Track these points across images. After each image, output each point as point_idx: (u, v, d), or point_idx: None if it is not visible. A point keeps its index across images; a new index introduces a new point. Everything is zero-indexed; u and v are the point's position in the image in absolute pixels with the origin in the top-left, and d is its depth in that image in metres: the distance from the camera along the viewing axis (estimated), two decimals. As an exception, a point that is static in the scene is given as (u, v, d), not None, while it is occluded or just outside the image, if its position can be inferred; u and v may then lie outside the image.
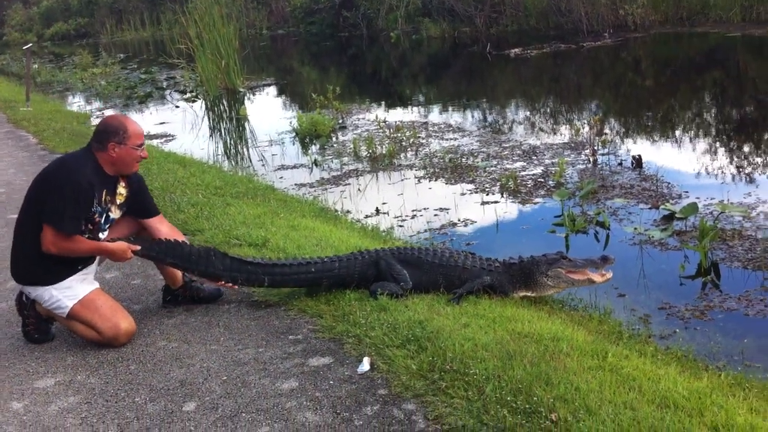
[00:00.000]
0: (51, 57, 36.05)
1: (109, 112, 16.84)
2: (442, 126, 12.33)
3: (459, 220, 7.40)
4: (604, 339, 4.25)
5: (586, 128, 10.53)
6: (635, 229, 6.57)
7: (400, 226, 7.38)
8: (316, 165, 10.29)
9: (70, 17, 51.00)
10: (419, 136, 11.38)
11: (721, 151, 9.54)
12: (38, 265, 4.39)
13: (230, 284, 4.86)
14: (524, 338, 4.00)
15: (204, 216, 6.82)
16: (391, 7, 29.95)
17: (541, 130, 11.69)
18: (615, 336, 4.41)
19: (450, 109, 14.49)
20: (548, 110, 14.02)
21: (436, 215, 7.63)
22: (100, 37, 46.86)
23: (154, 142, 12.61)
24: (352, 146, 10.86)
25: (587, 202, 7.45)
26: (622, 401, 3.30)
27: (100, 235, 4.51)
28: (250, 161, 11.27)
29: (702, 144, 9.94)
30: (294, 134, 12.53)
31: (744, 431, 3.09)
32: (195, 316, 4.83)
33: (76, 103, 19.55)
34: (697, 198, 7.18)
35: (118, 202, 4.57)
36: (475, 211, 7.65)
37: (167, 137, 13.51)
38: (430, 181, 8.92)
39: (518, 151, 9.95)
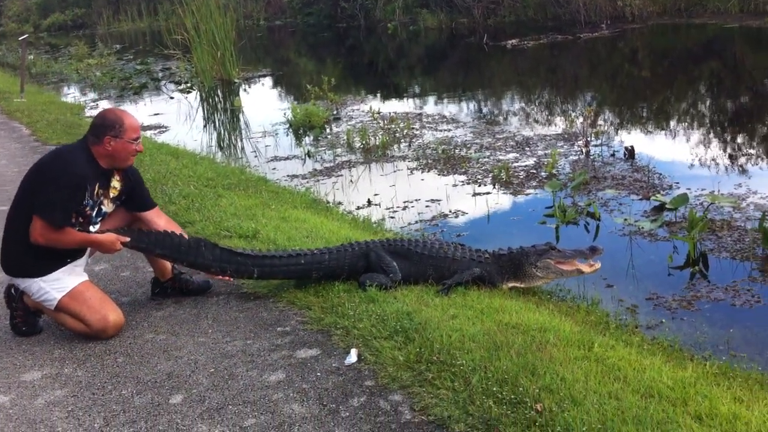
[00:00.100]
0: (47, 48, 35.91)
1: (103, 104, 16.83)
2: (437, 117, 12.33)
3: (450, 212, 7.40)
4: (591, 329, 4.26)
5: (580, 119, 10.53)
6: (625, 220, 6.58)
7: (392, 217, 7.39)
8: (309, 156, 10.29)
9: (67, 8, 50.81)
10: (413, 128, 11.37)
11: (714, 142, 9.55)
12: (28, 256, 4.38)
13: (220, 276, 4.87)
14: (511, 329, 4.01)
15: (195, 208, 6.81)
16: (388, -3, 29.93)
17: (535, 121, 11.70)
18: (602, 326, 4.42)
19: (445, 100, 14.49)
20: (543, 101, 14.02)
21: (427, 206, 7.63)
22: (96, 27, 46.74)
23: (148, 133, 12.57)
24: (345, 137, 10.86)
25: (578, 193, 7.46)
26: (607, 391, 3.31)
27: (91, 228, 4.51)
28: (243, 152, 11.26)
29: (695, 135, 9.95)
30: (288, 125, 12.51)
31: (727, 420, 3.10)
32: (184, 309, 4.83)
33: (71, 94, 19.49)
34: (688, 189, 7.19)
35: (111, 195, 4.56)
36: (466, 202, 7.65)
37: (161, 128, 13.48)
38: (422, 172, 8.91)
39: (511, 143, 9.95)
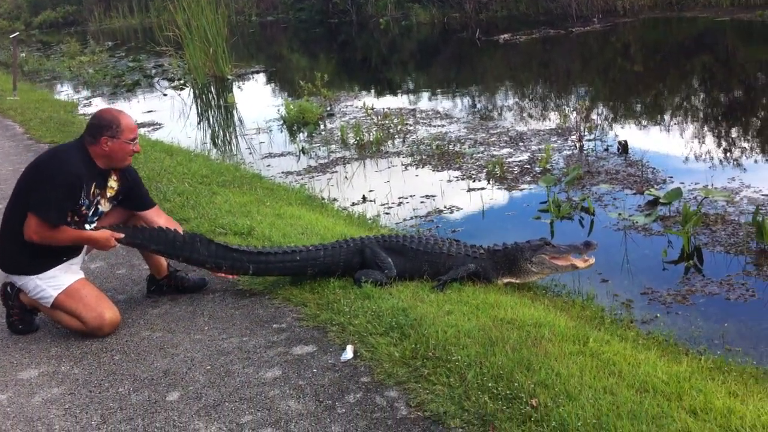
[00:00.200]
0: (39, 45, 35.73)
1: (97, 101, 16.78)
2: (430, 113, 12.33)
3: (445, 207, 7.41)
4: (586, 324, 4.28)
5: (573, 114, 10.54)
6: (619, 214, 6.60)
7: (387, 213, 7.39)
8: (304, 153, 10.28)
9: (58, 5, 50.57)
10: (407, 123, 11.37)
11: (708, 136, 9.57)
12: (24, 254, 4.38)
13: (222, 273, 4.88)
14: (507, 324, 4.03)
15: (190, 205, 6.81)
16: (380, -8, 29.91)
17: (529, 116, 11.70)
18: (597, 321, 4.44)
19: (438, 95, 14.49)
20: (536, 96, 14.02)
21: (422, 202, 7.64)
22: (88, 24, 46.53)
23: (142, 130, 12.52)
24: (339, 134, 10.85)
25: (573, 188, 7.48)
26: (602, 386, 3.33)
27: (87, 227, 4.50)
28: (238, 149, 11.24)
29: (689, 129, 9.98)
30: (282, 122, 12.49)
31: (722, 414, 3.12)
32: (179, 306, 4.83)
33: (64, 91, 19.43)
34: (682, 183, 7.21)
35: (108, 195, 4.56)
36: (461, 198, 7.66)
37: (154, 126, 13.45)
38: (417, 168, 8.92)
39: (505, 138, 9.96)
